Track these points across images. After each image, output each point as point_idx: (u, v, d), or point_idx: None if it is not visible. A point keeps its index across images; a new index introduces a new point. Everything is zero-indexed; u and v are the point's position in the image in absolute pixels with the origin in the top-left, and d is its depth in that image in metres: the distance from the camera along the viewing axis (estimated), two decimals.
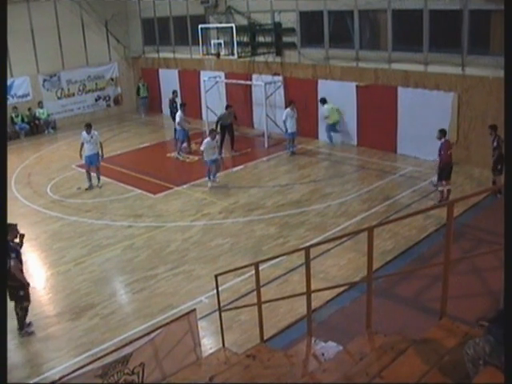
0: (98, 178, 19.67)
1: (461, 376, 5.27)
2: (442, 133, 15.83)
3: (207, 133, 25.18)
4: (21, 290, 11.04)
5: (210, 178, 18.99)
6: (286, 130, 21.93)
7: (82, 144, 19.36)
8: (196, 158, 22.23)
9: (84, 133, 19.31)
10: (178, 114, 22.94)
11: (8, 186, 20.24)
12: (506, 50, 5.10)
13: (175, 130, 23.39)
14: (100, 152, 19.59)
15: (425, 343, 6.22)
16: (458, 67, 18.45)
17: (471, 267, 11.61)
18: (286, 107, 22.52)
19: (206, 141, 18.71)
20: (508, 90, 5.15)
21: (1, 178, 5.56)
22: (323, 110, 22.74)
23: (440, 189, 16.05)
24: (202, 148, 18.78)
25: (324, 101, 22.54)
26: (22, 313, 11.15)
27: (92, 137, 19.26)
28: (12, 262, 10.71)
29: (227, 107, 23.11)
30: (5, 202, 5.52)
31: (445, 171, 15.86)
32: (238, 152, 22.69)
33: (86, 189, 19.32)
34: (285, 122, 21.71)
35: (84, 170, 19.75)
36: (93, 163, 19.41)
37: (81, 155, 19.46)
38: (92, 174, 19.56)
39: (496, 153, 15.84)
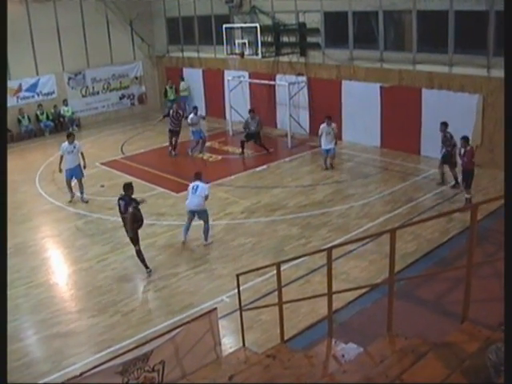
0: (82, 192, 18.36)
1: (482, 381, 5.23)
2: (466, 141, 15.84)
3: (230, 132, 25.37)
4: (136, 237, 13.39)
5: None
6: (321, 146, 20.58)
7: (62, 157, 17.98)
8: (219, 157, 22.37)
9: (65, 144, 18.01)
10: (190, 117, 23.08)
11: (32, 183, 20.52)
12: (506, 49, 5.07)
13: (173, 131, 23.27)
14: (82, 163, 18.27)
15: (446, 347, 6.19)
16: (483, 69, 18.30)
17: (494, 271, 11.49)
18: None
19: (205, 185, 14.90)
20: (508, 90, 5.12)
21: (1, 177, 5.58)
22: (181, 85, 30.06)
23: (467, 196, 16.00)
24: (207, 193, 14.72)
25: (182, 79, 30.10)
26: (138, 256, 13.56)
27: (74, 147, 17.99)
28: (131, 209, 13.00)
29: (250, 111, 23.19)
30: (5, 201, 5.55)
31: (467, 179, 15.91)
32: (268, 150, 22.78)
33: (70, 201, 18.34)
34: (320, 137, 20.37)
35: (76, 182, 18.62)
36: (75, 176, 18.24)
37: (60, 169, 18.08)
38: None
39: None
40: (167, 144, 23.64)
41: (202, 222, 14.89)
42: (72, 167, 18.10)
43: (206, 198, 14.61)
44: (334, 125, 20.22)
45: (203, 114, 23.52)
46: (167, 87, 30.42)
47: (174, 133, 23.10)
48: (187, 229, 14.99)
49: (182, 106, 30.11)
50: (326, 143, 20.18)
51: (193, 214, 14.77)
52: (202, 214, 14.77)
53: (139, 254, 13.44)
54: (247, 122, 22.85)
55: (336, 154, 20.63)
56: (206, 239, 14.88)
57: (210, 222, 15.30)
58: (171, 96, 30.15)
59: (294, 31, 24.04)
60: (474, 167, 15.96)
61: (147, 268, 13.42)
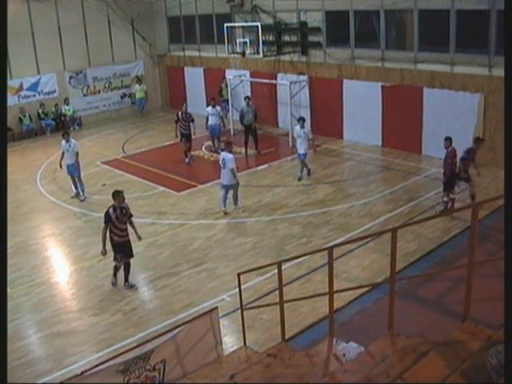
0: (82, 191, 18.60)
1: (483, 380, 5.23)
2: (449, 141, 15.35)
3: (231, 131, 25.37)
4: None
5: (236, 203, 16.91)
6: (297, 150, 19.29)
7: (63, 153, 18.29)
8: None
9: (63, 142, 18.24)
10: (207, 110, 23.10)
11: (33, 182, 20.52)
12: (507, 49, 5.06)
13: (186, 135, 21.66)
14: (75, 164, 18.31)
15: (447, 346, 6.19)
16: (484, 68, 18.29)
17: (495, 270, 11.48)
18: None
19: (231, 157, 16.32)
20: (508, 90, 5.12)
21: (1, 176, 5.58)
22: (136, 87, 31.17)
23: (445, 199, 15.72)
24: (232, 166, 16.18)
25: (140, 82, 31.29)
26: (114, 269, 12.91)
27: (70, 146, 18.13)
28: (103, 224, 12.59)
29: (245, 98, 23.19)
30: (5, 200, 5.54)
31: (450, 181, 15.52)
32: (262, 151, 22.57)
33: (72, 197, 18.66)
34: (296, 141, 19.33)
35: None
36: (71, 173, 18.48)
37: (60, 165, 18.40)
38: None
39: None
40: (169, 142, 23.65)
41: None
42: (68, 164, 18.31)
43: (233, 171, 16.11)
44: (306, 128, 19.35)
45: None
46: (222, 85, 27.80)
47: (185, 137, 21.74)
48: (225, 200, 16.60)
49: (141, 108, 31.28)
50: (300, 147, 18.94)
51: (226, 187, 16.42)
52: (234, 186, 16.51)
53: (114, 268, 13.07)
54: (243, 111, 22.72)
55: (308, 161, 19.48)
56: (236, 203, 16.80)
57: (212, 221, 15.48)
58: (226, 95, 27.43)
59: (295, 30, 24.02)
60: (455, 169, 15.54)
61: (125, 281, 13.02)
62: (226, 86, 27.18)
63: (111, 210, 12.51)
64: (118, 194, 12.65)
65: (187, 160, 21.72)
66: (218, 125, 23.18)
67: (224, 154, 16.42)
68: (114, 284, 12.93)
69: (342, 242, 13.37)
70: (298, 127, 19.07)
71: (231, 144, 17.12)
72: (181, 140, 21.88)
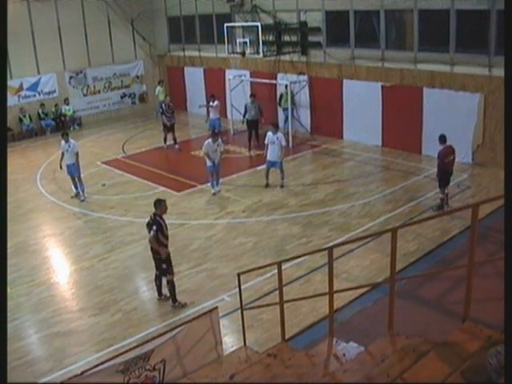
0: (82, 191, 18.49)
1: (483, 380, 5.23)
2: (442, 139, 15.56)
3: (231, 131, 25.40)
4: (163, 263, 11.77)
5: (213, 184, 18.38)
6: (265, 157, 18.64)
7: (62, 154, 18.25)
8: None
9: (62, 142, 18.26)
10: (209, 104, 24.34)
11: (33, 182, 20.52)
12: (507, 49, 5.06)
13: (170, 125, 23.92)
14: (75, 164, 18.23)
15: (447, 346, 6.18)
16: (484, 68, 18.29)
17: (495, 270, 11.48)
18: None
19: (206, 142, 18.00)
20: (508, 90, 5.11)
21: (1, 176, 5.58)
22: (156, 90, 29.33)
23: (441, 196, 15.86)
24: (203, 150, 18.05)
25: (161, 83, 29.54)
26: (168, 287, 11.93)
27: (69, 146, 18.09)
28: (151, 233, 11.39)
29: (250, 96, 23.56)
30: (5, 200, 5.54)
31: (443, 178, 15.70)
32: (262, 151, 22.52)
33: (72, 197, 18.61)
34: (266, 147, 18.44)
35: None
36: (71, 173, 18.41)
37: (60, 165, 18.36)
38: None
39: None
40: (169, 143, 23.80)
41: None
42: (68, 164, 18.26)
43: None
44: (280, 134, 18.41)
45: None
46: (283, 93, 24.59)
47: (168, 127, 23.83)
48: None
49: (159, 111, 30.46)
50: (269, 154, 18.31)
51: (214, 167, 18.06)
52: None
53: (169, 285, 12.04)
54: (247, 107, 23.10)
55: (284, 170, 18.82)
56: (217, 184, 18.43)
57: (212, 221, 15.63)
58: (285, 104, 24.07)
59: (295, 30, 24.01)
60: (450, 167, 15.75)
61: (174, 302, 12.03)
62: (287, 93, 23.87)
63: (158, 218, 11.50)
64: (159, 203, 11.59)
65: (165, 146, 24.14)
66: (218, 119, 24.00)
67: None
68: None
69: (341, 242, 13.35)
70: (270, 133, 18.30)
71: (216, 134, 18.58)
72: (163, 129, 24.20)
